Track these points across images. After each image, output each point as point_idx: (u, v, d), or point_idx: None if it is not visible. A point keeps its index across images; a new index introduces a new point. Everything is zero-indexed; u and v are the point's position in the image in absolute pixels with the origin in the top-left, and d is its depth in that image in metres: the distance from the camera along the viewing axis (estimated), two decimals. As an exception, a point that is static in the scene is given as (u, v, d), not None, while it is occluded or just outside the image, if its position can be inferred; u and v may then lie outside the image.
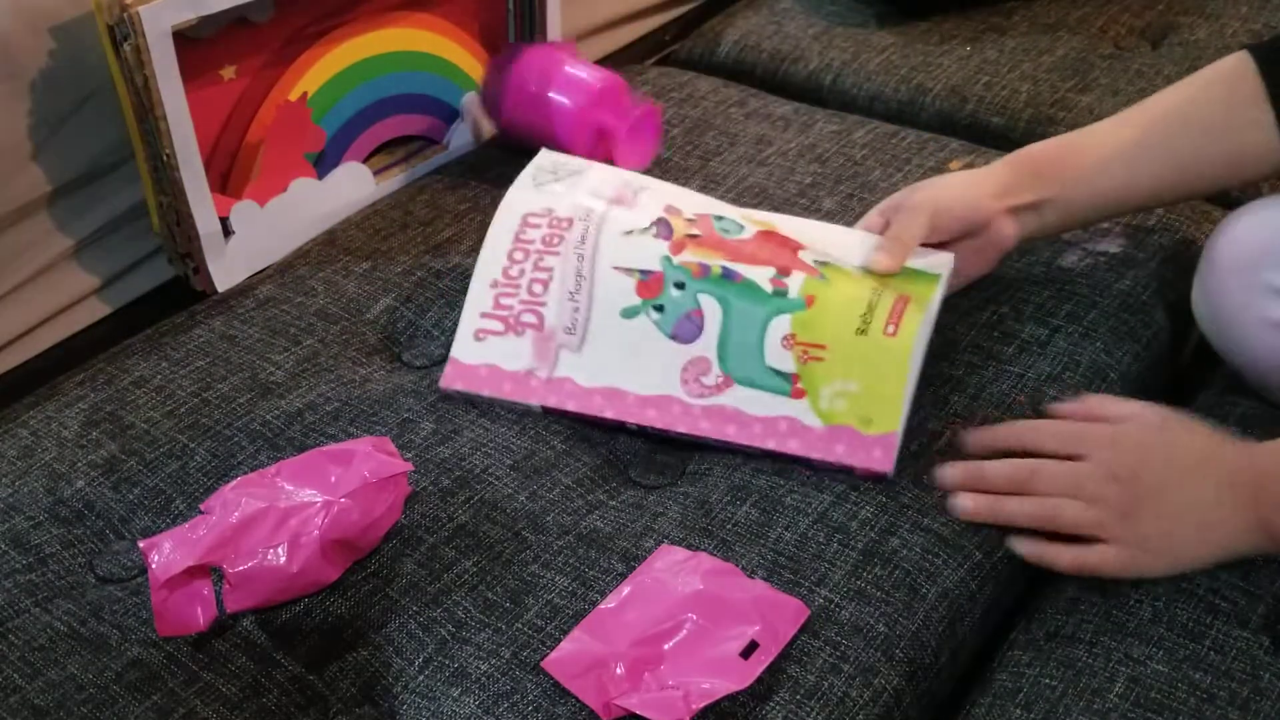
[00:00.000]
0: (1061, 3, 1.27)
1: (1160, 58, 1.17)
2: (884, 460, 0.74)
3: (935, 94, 1.16)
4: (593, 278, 0.80)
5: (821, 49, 1.24)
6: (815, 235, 0.84)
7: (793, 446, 0.75)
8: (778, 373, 0.76)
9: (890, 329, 0.76)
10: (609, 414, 0.78)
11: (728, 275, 0.79)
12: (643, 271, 0.80)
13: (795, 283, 0.78)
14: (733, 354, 0.77)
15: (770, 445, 0.75)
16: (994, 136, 1.12)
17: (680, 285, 0.79)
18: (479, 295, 0.83)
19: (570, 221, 0.82)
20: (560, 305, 0.80)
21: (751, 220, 0.84)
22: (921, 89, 1.17)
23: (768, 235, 0.83)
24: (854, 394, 0.75)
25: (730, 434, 0.76)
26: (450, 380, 0.81)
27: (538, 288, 0.81)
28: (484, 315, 0.82)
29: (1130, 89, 1.12)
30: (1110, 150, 0.83)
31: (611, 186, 0.86)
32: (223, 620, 0.68)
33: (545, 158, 0.89)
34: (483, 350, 0.81)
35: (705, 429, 0.76)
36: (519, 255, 0.83)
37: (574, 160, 0.89)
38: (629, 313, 0.79)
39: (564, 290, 0.81)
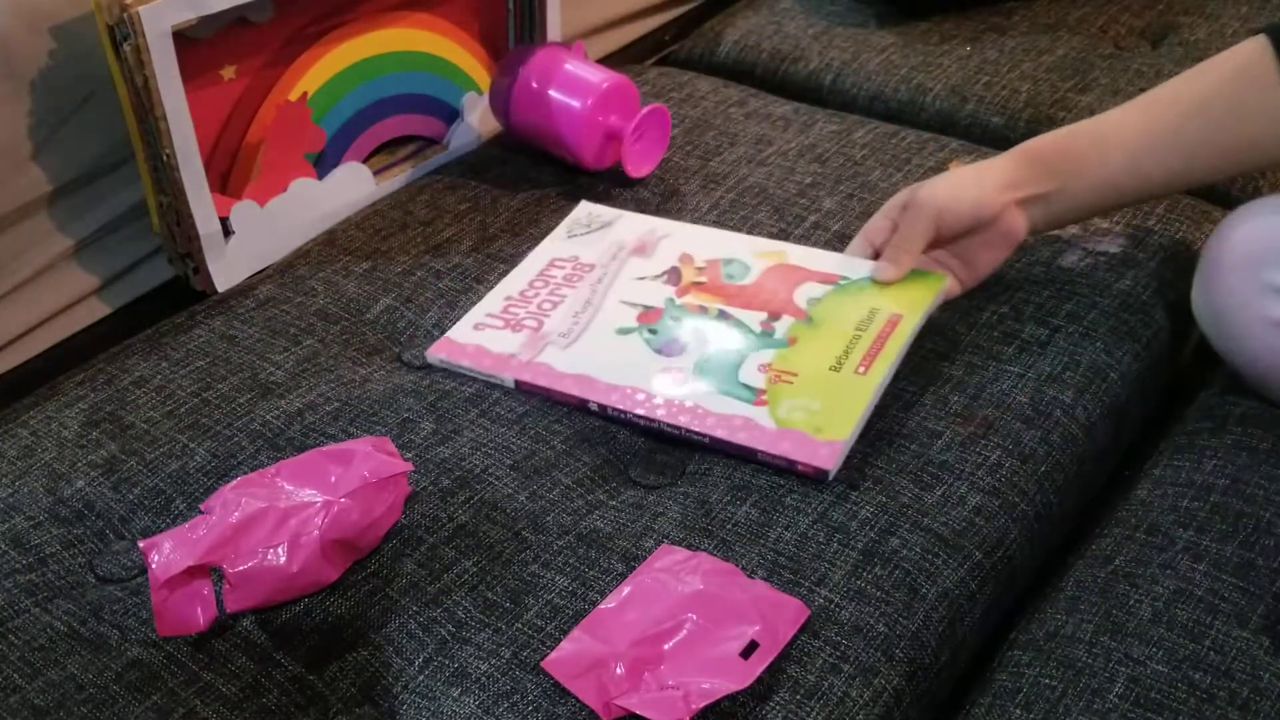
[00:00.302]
0: (1061, 3, 1.27)
1: (1160, 58, 1.17)
2: (827, 459, 0.74)
3: (935, 94, 1.16)
4: (600, 307, 0.87)
5: (821, 49, 1.24)
6: (821, 262, 0.89)
7: (741, 438, 0.76)
8: (747, 387, 0.79)
9: (862, 369, 0.79)
10: (575, 392, 0.81)
11: (722, 316, 0.85)
12: (646, 306, 0.87)
13: (782, 326, 0.83)
14: (708, 369, 0.81)
15: (720, 434, 0.76)
16: (994, 136, 1.12)
17: (677, 319, 0.85)
18: (491, 302, 0.90)
19: (592, 266, 0.91)
20: (562, 318, 0.86)
21: (760, 254, 0.90)
22: (922, 89, 1.17)
23: (772, 271, 0.88)
24: (813, 410, 0.77)
25: (683, 421, 0.78)
26: (436, 350, 0.86)
27: (547, 306, 0.88)
28: (489, 315, 0.88)
29: (1130, 89, 1.12)
30: (1118, 139, 0.82)
31: (636, 235, 0.94)
32: (223, 620, 0.68)
33: (582, 210, 0.99)
34: (476, 335, 0.86)
35: (661, 415, 0.78)
36: (539, 284, 0.91)
37: (608, 211, 0.98)
38: (624, 331, 0.85)
39: (571, 310, 0.87)
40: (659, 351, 0.83)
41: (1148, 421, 0.90)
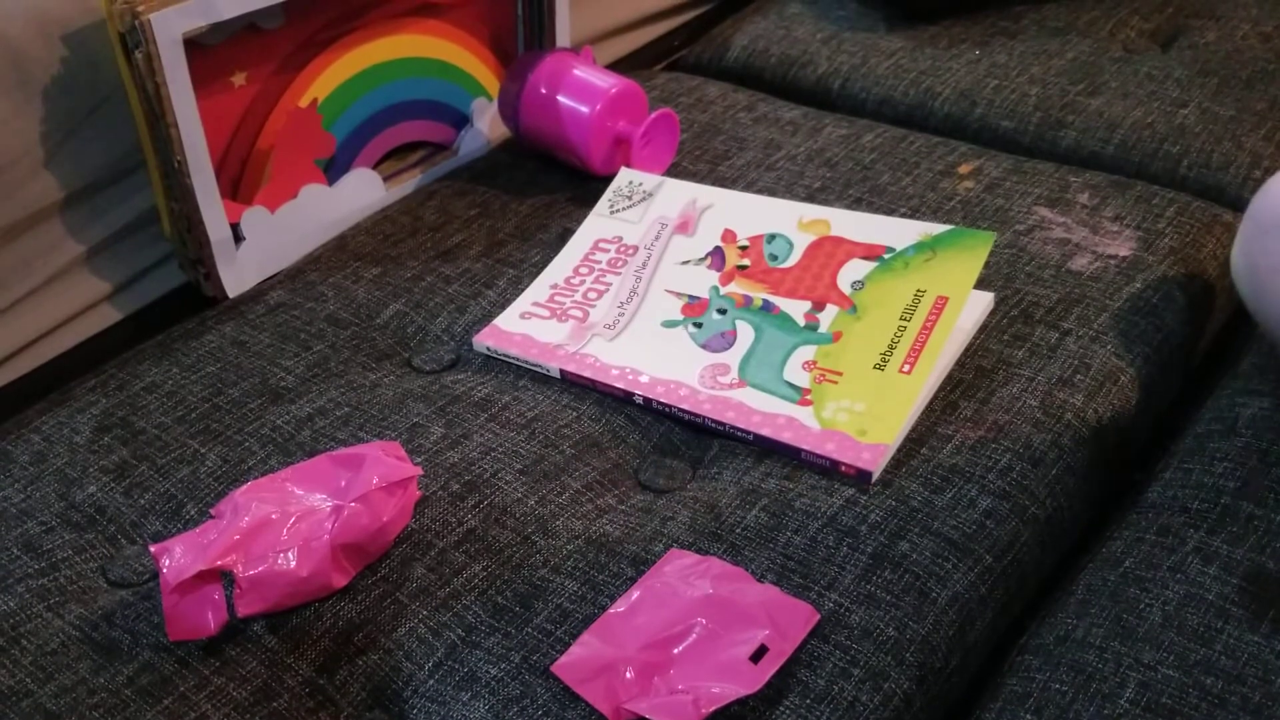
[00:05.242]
0: (1070, 6, 1.27)
1: (1170, 60, 1.17)
2: (870, 461, 0.75)
3: (944, 98, 1.16)
4: (644, 295, 0.88)
5: (830, 53, 1.24)
6: (866, 230, 0.89)
7: (786, 437, 0.77)
8: (791, 385, 0.80)
9: (906, 368, 0.79)
10: (619, 385, 0.82)
11: (767, 307, 0.85)
12: (691, 296, 0.87)
13: (827, 318, 0.84)
14: (753, 366, 0.82)
15: (765, 432, 0.77)
16: (1003, 140, 1.12)
17: (722, 311, 0.86)
18: (537, 290, 0.91)
19: (635, 249, 0.92)
20: (608, 309, 0.88)
21: (804, 225, 0.90)
22: (930, 93, 1.17)
23: (817, 247, 0.88)
24: (858, 412, 0.78)
25: (729, 418, 0.79)
26: (483, 338, 0.87)
27: (592, 294, 0.89)
28: (535, 304, 0.89)
29: (1140, 92, 1.12)
30: None
31: (679, 207, 0.95)
32: (233, 624, 0.68)
33: (623, 178, 0.99)
34: (523, 324, 0.88)
35: (706, 410, 0.79)
36: (584, 270, 0.92)
37: (650, 179, 0.98)
38: (669, 324, 0.86)
39: (616, 300, 0.88)
40: (704, 346, 0.84)
41: (1158, 424, 0.89)
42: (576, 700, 0.63)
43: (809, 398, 0.79)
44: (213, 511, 0.70)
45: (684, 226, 0.93)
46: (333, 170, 1.01)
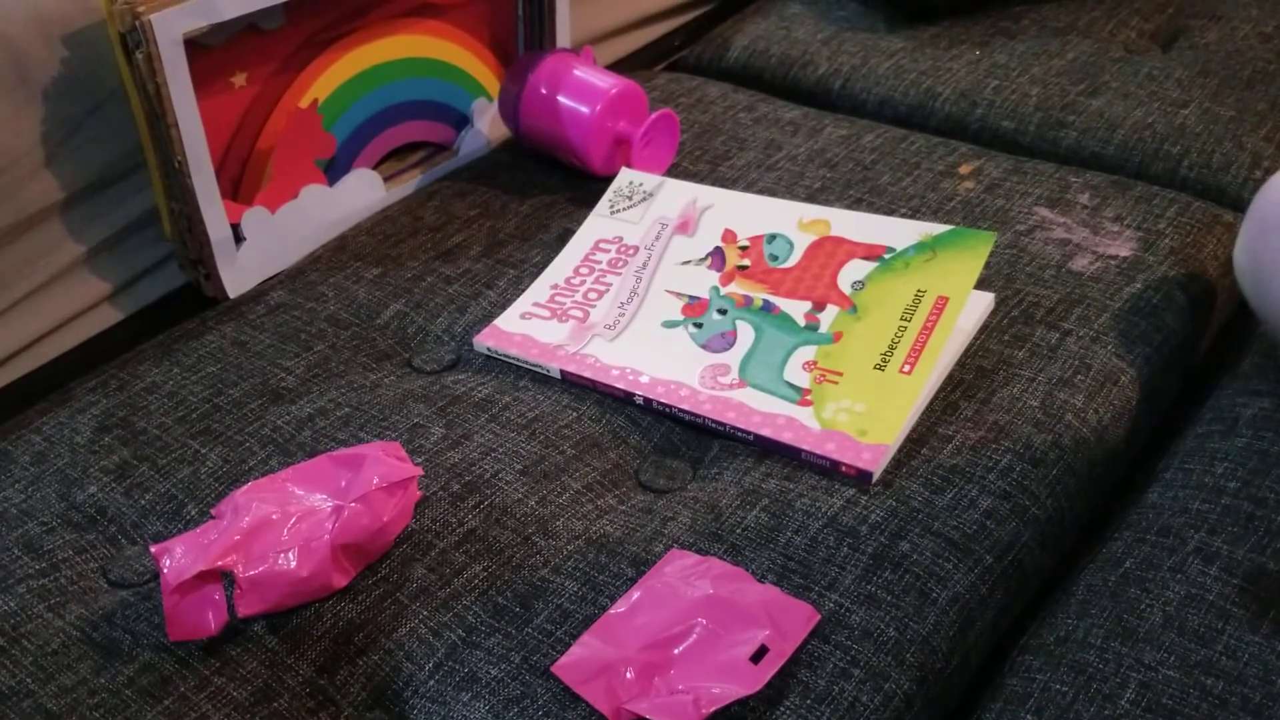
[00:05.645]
0: (1071, 6, 1.27)
1: (1171, 61, 1.17)
2: (871, 461, 0.75)
3: (945, 98, 1.16)
4: (645, 295, 0.88)
5: (831, 54, 1.24)
6: (866, 230, 0.89)
7: (786, 437, 0.77)
8: (791, 385, 0.80)
9: (906, 368, 0.79)
10: (620, 385, 0.82)
11: (767, 307, 0.85)
12: (691, 296, 0.88)
13: (827, 318, 0.84)
14: (753, 366, 0.82)
15: (765, 432, 0.77)
16: (1004, 140, 1.12)
17: (722, 311, 0.86)
18: (538, 290, 0.91)
19: (636, 249, 0.92)
20: (608, 309, 0.88)
21: (804, 226, 0.90)
22: (931, 93, 1.17)
23: (817, 248, 0.88)
24: (858, 412, 0.78)
25: (730, 418, 0.79)
26: (484, 338, 0.87)
27: (593, 295, 0.89)
28: (535, 304, 0.89)
29: (1140, 92, 1.12)
30: None
31: (679, 208, 0.95)
32: (234, 625, 0.68)
33: (623, 178, 0.99)
34: (523, 325, 0.88)
35: (707, 410, 0.79)
36: (584, 270, 0.92)
37: (650, 179, 0.98)
38: (669, 324, 0.86)
39: (616, 300, 0.88)
40: (704, 346, 0.84)
41: (1158, 424, 0.89)
42: (577, 701, 0.63)
43: (809, 398, 0.79)
44: (213, 512, 0.70)
45: (684, 227, 0.93)
46: (333, 171, 1.01)
